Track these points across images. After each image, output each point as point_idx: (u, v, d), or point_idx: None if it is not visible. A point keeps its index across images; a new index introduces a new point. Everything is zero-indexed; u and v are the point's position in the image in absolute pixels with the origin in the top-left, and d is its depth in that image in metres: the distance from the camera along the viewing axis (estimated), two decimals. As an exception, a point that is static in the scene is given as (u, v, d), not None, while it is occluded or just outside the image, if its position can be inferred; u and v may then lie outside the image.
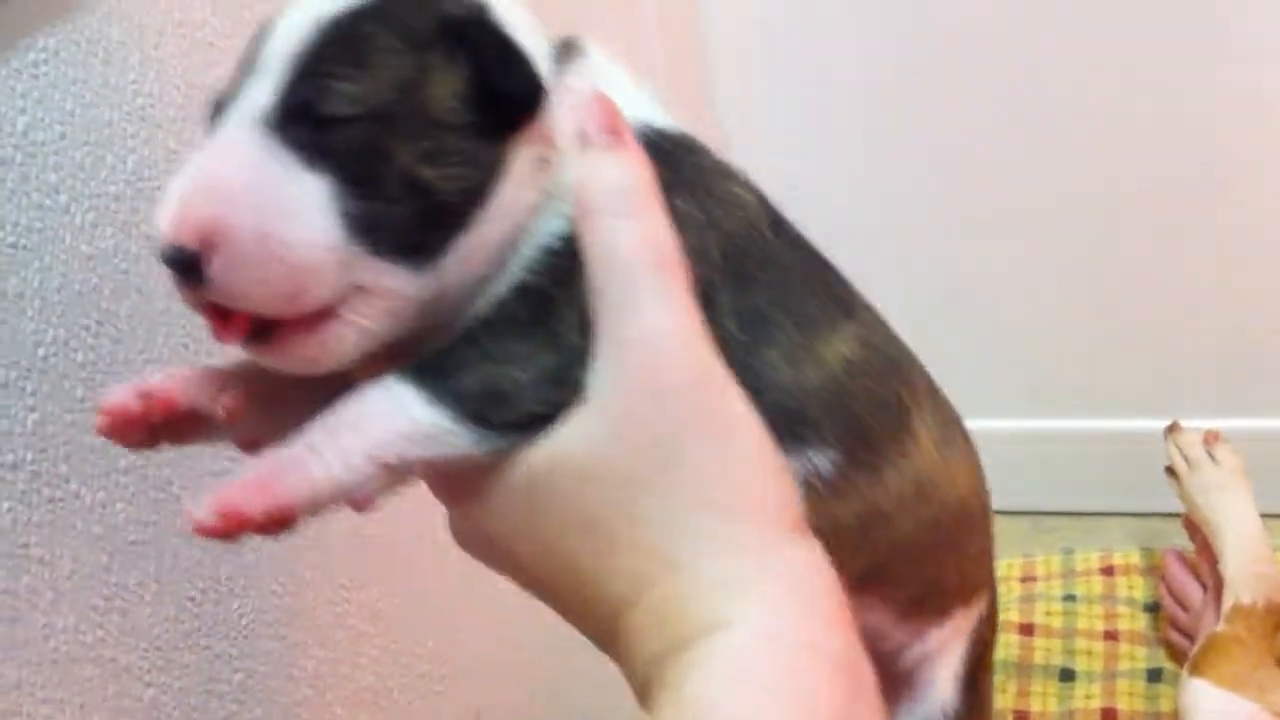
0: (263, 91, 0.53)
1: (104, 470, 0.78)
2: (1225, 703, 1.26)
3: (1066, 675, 1.60)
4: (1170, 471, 1.57)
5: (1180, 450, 1.56)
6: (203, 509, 0.50)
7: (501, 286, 0.56)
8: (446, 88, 0.55)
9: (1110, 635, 1.64)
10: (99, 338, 0.76)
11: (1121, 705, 1.54)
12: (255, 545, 0.89)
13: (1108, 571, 1.74)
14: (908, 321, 0.73)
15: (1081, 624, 1.66)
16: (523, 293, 0.55)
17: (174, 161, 0.80)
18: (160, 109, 0.79)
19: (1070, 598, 1.70)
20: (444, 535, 0.59)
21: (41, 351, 0.72)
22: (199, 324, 0.81)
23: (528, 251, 0.56)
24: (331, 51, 0.53)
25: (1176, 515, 1.73)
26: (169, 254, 0.51)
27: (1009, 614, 1.68)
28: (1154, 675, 1.58)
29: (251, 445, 0.60)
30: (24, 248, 0.70)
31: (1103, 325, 1.77)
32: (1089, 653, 1.62)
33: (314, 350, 0.53)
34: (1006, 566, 1.79)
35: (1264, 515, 1.49)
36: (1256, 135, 1.60)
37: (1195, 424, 1.60)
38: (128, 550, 0.79)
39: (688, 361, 0.52)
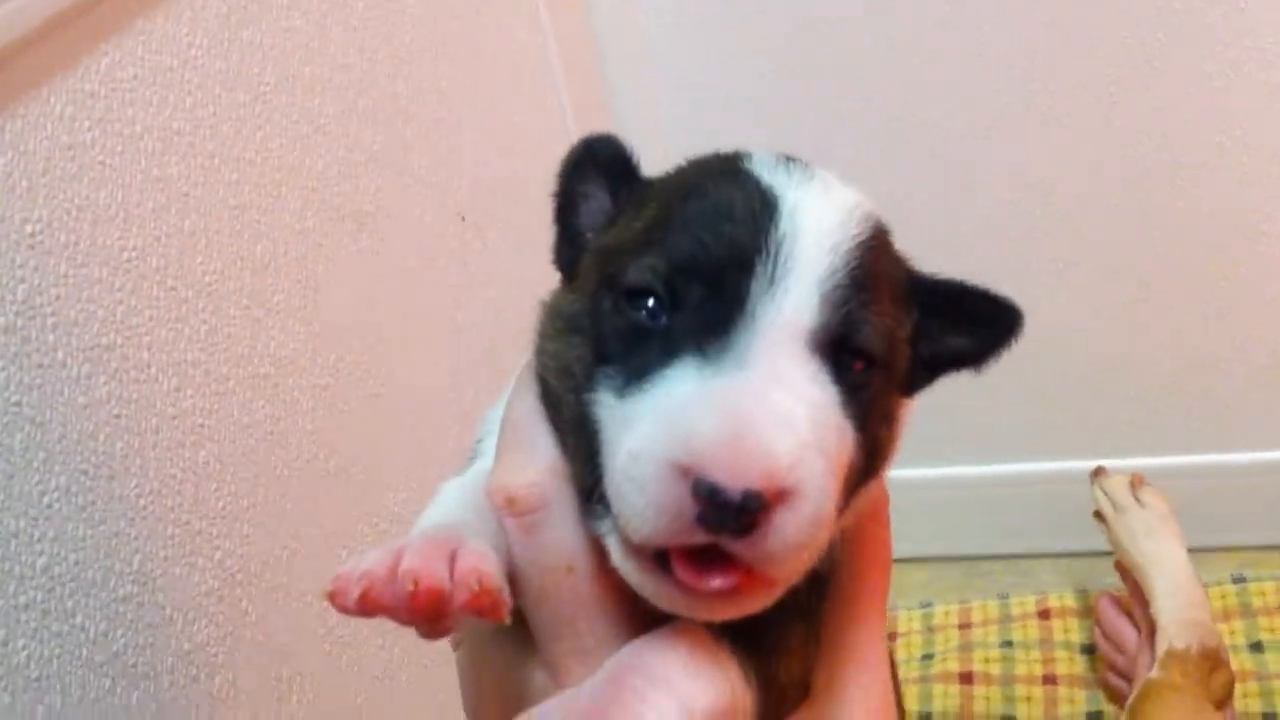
0: (802, 305, 0.47)
1: (105, 601, 0.80)
2: (1163, 751, 1.27)
3: (1008, 724, 1.61)
4: (1098, 516, 1.59)
5: (1107, 495, 1.58)
6: None
7: None
8: (907, 334, 0.52)
9: (1049, 680, 1.65)
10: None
11: (1065, 750, 1.56)
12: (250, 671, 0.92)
13: (1044, 615, 1.75)
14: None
15: (1020, 670, 1.67)
16: (813, 574, 0.50)
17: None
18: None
19: (1008, 644, 1.71)
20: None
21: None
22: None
23: None
24: (862, 281, 0.48)
25: (1107, 553, 1.74)
26: (736, 499, 0.42)
27: (948, 663, 1.69)
28: (1094, 718, 1.59)
29: (440, 635, 0.51)
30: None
31: (1027, 371, 1.78)
32: (1029, 699, 1.63)
33: (758, 605, 0.46)
34: (944, 614, 1.80)
35: (1192, 549, 1.51)
36: (1175, 185, 1.62)
37: (1122, 464, 1.62)
38: (129, 673, 0.82)
39: (889, 688, 0.53)
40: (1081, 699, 1.62)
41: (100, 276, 0.81)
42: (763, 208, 0.48)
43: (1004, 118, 1.62)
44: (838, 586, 0.53)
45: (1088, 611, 1.72)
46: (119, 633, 0.84)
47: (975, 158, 1.66)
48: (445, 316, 1.24)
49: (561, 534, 0.50)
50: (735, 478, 0.42)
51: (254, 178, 0.95)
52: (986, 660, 1.68)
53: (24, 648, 0.76)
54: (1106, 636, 1.59)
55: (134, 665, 0.85)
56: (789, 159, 0.52)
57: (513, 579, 0.51)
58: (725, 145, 0.54)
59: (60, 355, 0.78)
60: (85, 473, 0.81)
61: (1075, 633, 1.71)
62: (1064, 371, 1.77)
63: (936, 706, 1.62)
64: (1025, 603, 1.77)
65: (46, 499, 0.78)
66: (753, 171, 0.50)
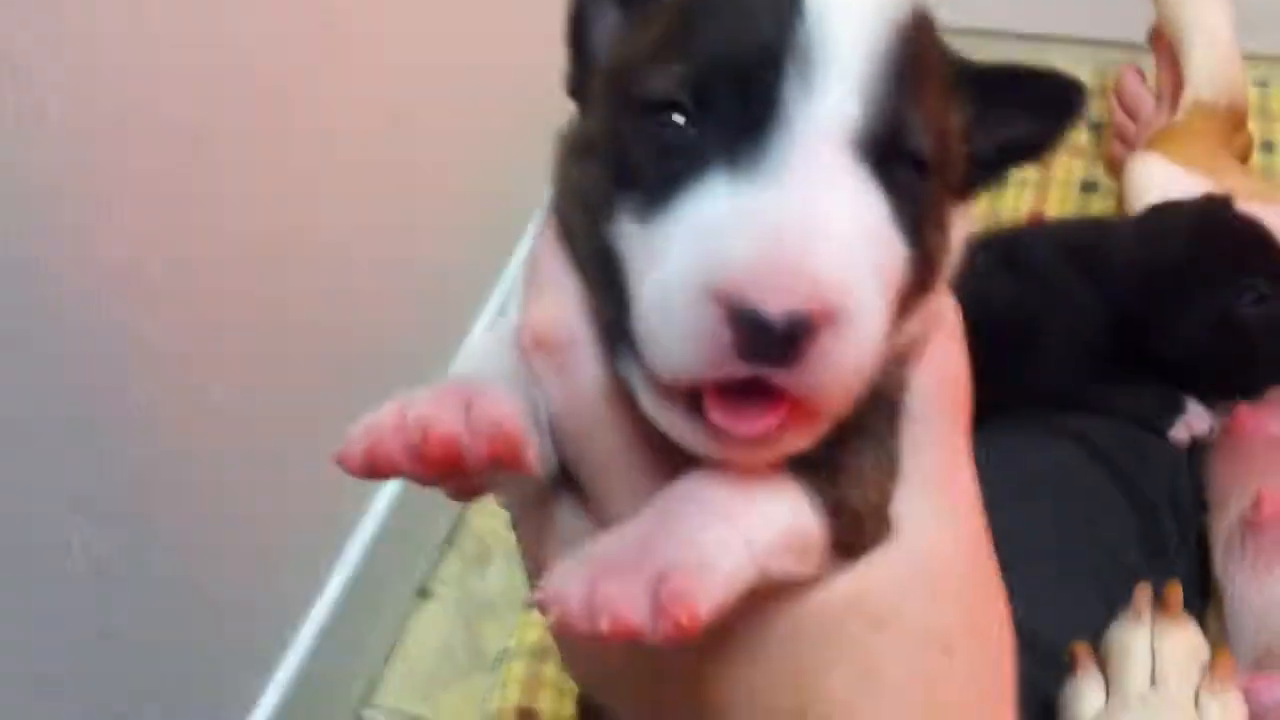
0: (841, 104, 0.41)
1: None
2: (1178, 176, 1.20)
3: (999, 181, 1.54)
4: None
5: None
6: (585, 614, 0.39)
7: None
8: (960, 128, 0.46)
9: (1050, 146, 1.57)
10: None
11: (1051, 212, 1.51)
12: None
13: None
14: None
15: (1021, 134, 1.59)
16: (874, 394, 0.45)
17: None
18: None
19: (1014, 109, 1.62)
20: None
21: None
22: None
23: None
24: (906, 74, 0.42)
25: (1127, 45, 1.63)
26: (780, 325, 0.37)
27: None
28: (1088, 187, 1.53)
29: (471, 494, 0.48)
30: None
31: None
32: (1024, 159, 1.55)
33: (802, 443, 0.41)
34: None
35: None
36: None
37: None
38: None
39: (981, 520, 0.50)
40: (1079, 168, 1.56)
41: None
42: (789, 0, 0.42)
43: None
44: (909, 410, 0.48)
45: (1101, 92, 1.63)
46: None
47: None
48: None
49: (594, 364, 0.46)
50: (777, 300, 0.37)
51: None
52: (988, 122, 1.60)
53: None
54: (1123, 104, 1.50)
55: None
56: None
57: (552, 427, 0.47)
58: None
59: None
60: None
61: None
62: None
63: (929, 155, 1.55)
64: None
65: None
66: None
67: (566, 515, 0.49)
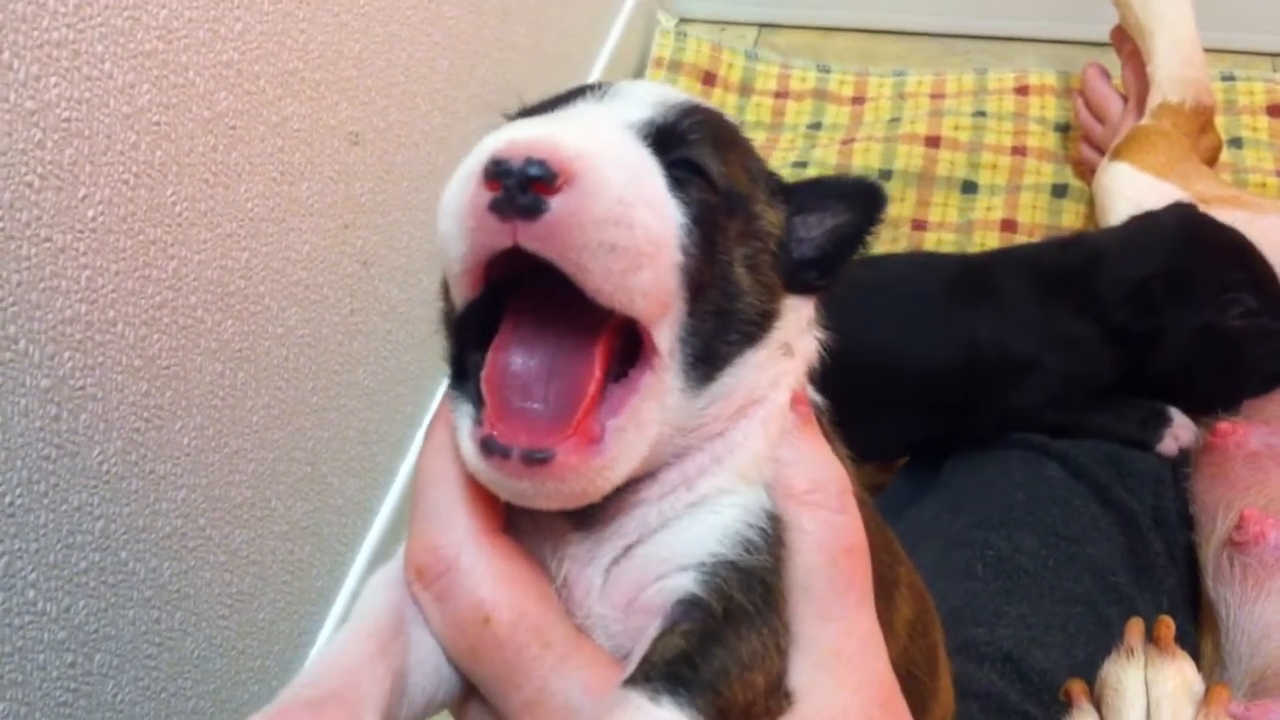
0: (632, 109, 0.49)
1: (143, 308, 0.82)
2: (1147, 185, 1.20)
3: (969, 187, 1.54)
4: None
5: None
6: None
7: (719, 545, 0.49)
8: (775, 218, 0.52)
9: (1018, 151, 1.57)
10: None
11: (1023, 218, 1.50)
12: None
13: (1022, 91, 1.65)
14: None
15: (990, 139, 1.58)
16: (747, 577, 0.48)
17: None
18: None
19: (980, 114, 1.62)
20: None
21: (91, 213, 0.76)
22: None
23: (743, 528, 0.49)
24: (705, 128, 0.50)
25: (1092, 44, 1.64)
26: (511, 167, 0.42)
27: (916, 126, 1.60)
28: (1059, 191, 1.53)
29: None
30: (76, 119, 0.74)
31: None
32: (994, 167, 1.55)
33: (590, 472, 0.45)
34: (916, 83, 1.70)
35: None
36: None
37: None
38: (162, 374, 0.85)
39: (889, 685, 0.50)
40: (1049, 172, 1.55)
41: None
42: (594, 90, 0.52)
43: None
44: (796, 584, 0.50)
45: (1068, 93, 1.63)
46: (156, 338, 0.84)
47: None
48: None
49: (470, 588, 0.49)
50: (516, 149, 0.42)
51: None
52: (956, 128, 1.60)
53: (69, 359, 0.77)
54: (1089, 105, 1.50)
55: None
56: None
57: (446, 651, 0.51)
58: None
59: (107, 66, 0.76)
60: (126, 183, 0.79)
61: (1052, 110, 1.63)
62: None
63: (899, 165, 1.55)
64: (1003, 78, 1.68)
65: (90, 212, 0.76)
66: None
67: (477, 718, 0.52)
